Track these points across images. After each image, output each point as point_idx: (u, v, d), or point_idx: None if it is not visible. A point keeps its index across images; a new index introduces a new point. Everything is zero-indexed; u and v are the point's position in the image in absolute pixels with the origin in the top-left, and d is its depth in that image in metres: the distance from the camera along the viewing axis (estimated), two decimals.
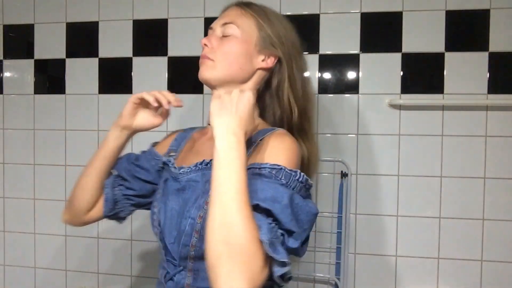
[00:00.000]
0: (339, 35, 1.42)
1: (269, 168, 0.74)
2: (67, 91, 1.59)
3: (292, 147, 0.80)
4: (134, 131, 0.96)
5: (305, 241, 0.75)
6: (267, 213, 0.70)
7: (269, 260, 0.66)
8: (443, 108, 1.37)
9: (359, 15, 1.41)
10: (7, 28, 1.64)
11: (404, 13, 1.38)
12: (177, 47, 1.51)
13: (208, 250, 0.65)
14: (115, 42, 1.55)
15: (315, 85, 1.43)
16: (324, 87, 1.43)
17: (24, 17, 1.62)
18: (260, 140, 0.82)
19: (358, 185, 1.42)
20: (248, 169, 0.73)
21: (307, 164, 0.90)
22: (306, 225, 0.73)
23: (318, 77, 1.43)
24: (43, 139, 1.62)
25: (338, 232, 1.41)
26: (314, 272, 1.45)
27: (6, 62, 1.64)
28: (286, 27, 0.92)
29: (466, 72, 1.36)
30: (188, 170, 0.86)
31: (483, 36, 1.35)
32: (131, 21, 1.54)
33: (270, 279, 0.67)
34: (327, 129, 1.43)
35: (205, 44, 0.89)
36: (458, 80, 1.36)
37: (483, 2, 1.34)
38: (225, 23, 0.89)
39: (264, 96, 0.93)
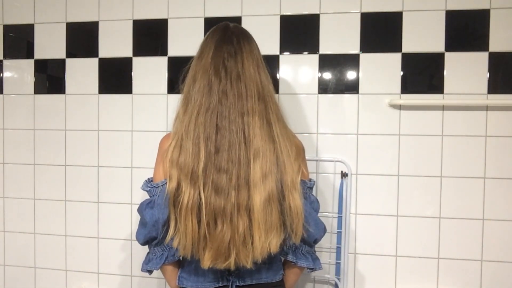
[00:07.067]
0: (339, 35, 1.42)
1: None
2: (67, 91, 1.59)
3: None
4: None
5: None
6: None
7: None
8: (443, 108, 1.37)
9: (359, 15, 1.41)
10: (7, 28, 1.64)
11: (404, 13, 1.38)
12: (177, 47, 1.51)
13: None
14: (115, 42, 1.55)
15: (315, 85, 1.43)
16: (324, 87, 1.43)
17: (24, 17, 1.62)
18: None
19: (358, 185, 1.42)
20: None
21: None
22: None
23: (318, 77, 1.43)
24: (43, 139, 1.62)
25: (338, 232, 1.41)
26: (314, 272, 1.45)
27: (6, 62, 1.64)
28: None
29: (466, 72, 1.36)
30: None
31: (483, 36, 1.35)
32: (131, 21, 1.54)
33: None
34: (327, 129, 1.43)
35: None
36: (458, 80, 1.36)
37: (483, 2, 1.34)
38: None
39: None
